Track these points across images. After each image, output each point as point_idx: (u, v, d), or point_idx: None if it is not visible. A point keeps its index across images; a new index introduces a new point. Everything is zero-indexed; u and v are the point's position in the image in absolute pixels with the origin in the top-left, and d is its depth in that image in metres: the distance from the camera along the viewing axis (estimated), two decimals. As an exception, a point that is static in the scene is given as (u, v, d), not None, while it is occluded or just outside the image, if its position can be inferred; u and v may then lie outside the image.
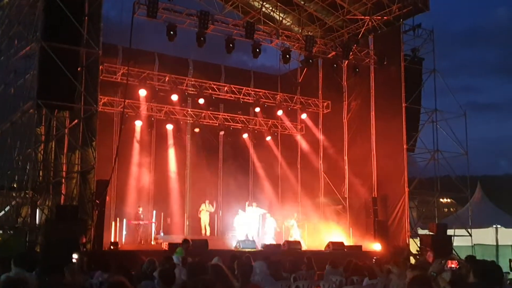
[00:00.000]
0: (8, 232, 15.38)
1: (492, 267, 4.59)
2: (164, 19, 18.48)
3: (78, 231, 14.46)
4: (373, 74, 22.20)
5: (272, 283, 7.63)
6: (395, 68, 20.88)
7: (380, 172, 21.43)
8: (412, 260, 18.07)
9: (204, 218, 21.07)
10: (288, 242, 19.13)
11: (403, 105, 20.38)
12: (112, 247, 16.50)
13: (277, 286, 8.16)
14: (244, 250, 16.92)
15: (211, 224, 21.70)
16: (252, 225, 20.17)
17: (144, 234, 19.34)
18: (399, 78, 20.62)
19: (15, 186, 16.50)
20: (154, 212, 19.90)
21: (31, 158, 15.42)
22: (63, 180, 15.93)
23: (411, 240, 20.16)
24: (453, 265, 7.87)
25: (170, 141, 22.72)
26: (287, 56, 20.91)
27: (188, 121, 23.19)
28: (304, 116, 24.62)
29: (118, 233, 18.57)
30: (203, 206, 21.00)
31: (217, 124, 23.66)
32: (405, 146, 20.32)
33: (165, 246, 17.34)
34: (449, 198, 37.04)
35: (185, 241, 14.44)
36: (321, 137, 24.25)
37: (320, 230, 21.74)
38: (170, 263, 8.93)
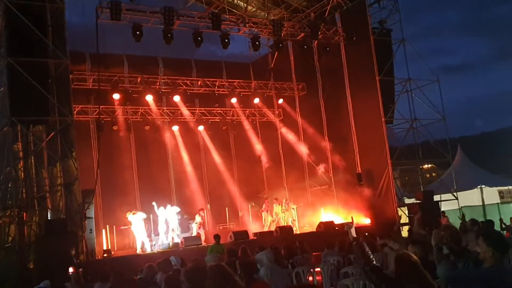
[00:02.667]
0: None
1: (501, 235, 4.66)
2: (128, 20, 18.27)
3: (70, 244, 14.34)
4: (343, 51, 22.28)
5: (278, 271, 7.65)
6: (364, 43, 20.96)
7: (361, 147, 21.61)
8: (405, 231, 18.34)
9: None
10: (280, 228, 19.21)
11: (377, 78, 20.51)
12: (105, 255, 16.41)
13: (282, 276, 8.19)
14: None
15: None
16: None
17: (135, 238, 19.18)
18: (370, 52, 20.74)
19: (-1, 206, 16.24)
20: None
21: (12, 176, 15.17)
22: (47, 194, 15.74)
23: (399, 209, 20.44)
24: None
25: (150, 142, 22.50)
26: (257, 43, 20.85)
27: (166, 120, 23.01)
28: (280, 101, 24.63)
29: (109, 241, 18.46)
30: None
31: (195, 120, 23.53)
32: (383, 119, 20.49)
33: (159, 248, 17.31)
34: (430, 164, 37.53)
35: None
36: (299, 120, 24.30)
37: (310, 212, 21.88)
38: (169, 266, 8.89)
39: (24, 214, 15.29)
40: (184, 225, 19.85)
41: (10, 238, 15.22)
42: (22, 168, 15.97)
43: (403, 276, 4.30)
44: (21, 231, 15.04)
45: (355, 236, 15.84)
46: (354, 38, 21.33)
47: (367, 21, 20.97)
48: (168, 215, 19.00)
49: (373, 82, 20.59)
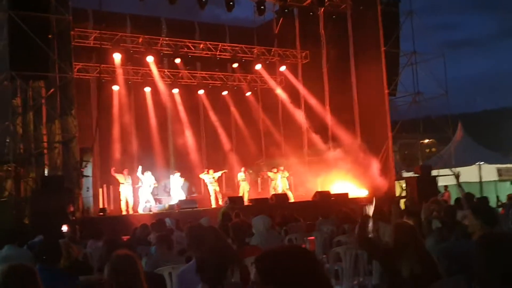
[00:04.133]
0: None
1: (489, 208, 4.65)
2: (133, -23, 17.95)
3: (66, 201, 14.42)
4: (350, 20, 21.95)
5: (272, 238, 7.65)
6: (371, 13, 20.63)
7: (362, 118, 21.51)
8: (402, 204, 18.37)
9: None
10: (275, 195, 19.28)
11: (382, 49, 20.25)
12: (101, 214, 16.51)
13: (276, 242, 8.20)
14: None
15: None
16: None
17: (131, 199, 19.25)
18: (376, 23, 20.42)
19: (-4, 160, 16.25)
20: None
21: (10, 130, 15.14)
22: (45, 150, 15.75)
23: (396, 183, 20.48)
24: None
25: (149, 103, 22.40)
26: (262, 7, 20.55)
27: (166, 82, 22.83)
28: (283, 68, 24.38)
29: (106, 200, 18.54)
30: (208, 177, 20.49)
31: (195, 83, 23.35)
32: (386, 91, 20.33)
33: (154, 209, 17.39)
34: (431, 139, 37.49)
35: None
36: (301, 88, 24.11)
37: (307, 182, 21.91)
38: (163, 226, 8.93)
39: (22, 169, 15.33)
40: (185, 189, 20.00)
41: (6, 193, 15.29)
42: (20, 123, 15.95)
43: (402, 244, 4.29)
44: (18, 186, 15.11)
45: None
46: (361, 8, 21.00)
47: (375, -10, 20.60)
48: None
49: (378, 53, 20.34)
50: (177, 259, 5.46)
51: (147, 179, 18.55)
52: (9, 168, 15.19)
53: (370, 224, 4.68)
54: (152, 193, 18.69)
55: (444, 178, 20.40)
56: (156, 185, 19.05)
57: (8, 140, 15.57)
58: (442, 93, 20.95)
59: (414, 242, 4.23)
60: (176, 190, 19.38)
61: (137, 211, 17.83)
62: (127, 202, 17.92)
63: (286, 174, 21.34)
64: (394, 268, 4.16)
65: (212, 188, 19.82)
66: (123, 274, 3.06)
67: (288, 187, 21.16)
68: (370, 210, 4.94)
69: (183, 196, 19.07)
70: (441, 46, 21.39)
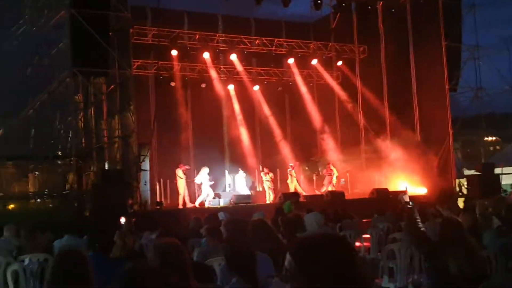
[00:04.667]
0: (57, 199, 15.84)
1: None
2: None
3: (125, 194, 14.77)
4: (409, 14, 21.38)
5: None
6: (432, 6, 20.01)
7: (422, 115, 20.93)
8: (461, 202, 17.76)
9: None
10: (331, 192, 19.07)
11: (443, 43, 19.64)
12: (157, 207, 16.84)
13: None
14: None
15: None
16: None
17: (187, 193, 19.54)
18: (437, 16, 19.80)
19: (59, 154, 16.88)
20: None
21: (72, 126, 15.69)
22: (105, 145, 16.21)
23: (457, 181, 19.85)
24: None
25: (205, 99, 22.62)
26: (319, 2, 20.37)
27: (222, 78, 23.00)
28: (340, 63, 24.04)
29: (163, 194, 18.89)
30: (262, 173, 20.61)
31: (251, 79, 23.39)
32: (447, 86, 19.71)
33: (208, 204, 17.59)
34: (494, 136, 36.07)
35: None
36: (359, 83, 23.71)
37: (364, 179, 21.56)
38: (216, 220, 8.97)
39: (83, 163, 15.86)
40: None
41: (68, 186, 15.85)
42: (82, 119, 16.49)
43: (447, 240, 4.12)
44: (79, 179, 15.63)
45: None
46: (421, 1, 20.42)
47: (436, -17, 19.98)
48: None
49: (438, 47, 19.74)
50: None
51: (205, 175, 18.80)
52: (71, 162, 15.74)
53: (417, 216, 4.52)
54: (212, 188, 18.99)
55: (509, 176, 19.61)
56: (212, 181, 19.28)
57: (70, 135, 16.15)
58: (506, 88, 20.13)
59: (461, 238, 4.05)
60: (239, 185, 19.57)
61: (193, 205, 18.09)
62: (184, 196, 18.24)
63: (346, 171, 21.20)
64: (441, 265, 4.01)
65: (267, 185, 19.93)
66: (167, 261, 3.07)
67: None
68: (406, 197, 4.82)
69: (245, 192, 19.27)
70: (505, 40, 20.39)
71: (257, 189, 21.23)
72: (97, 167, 15.90)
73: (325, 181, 21.21)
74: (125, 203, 14.57)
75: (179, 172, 18.44)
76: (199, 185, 19.10)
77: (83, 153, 15.93)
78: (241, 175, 20.02)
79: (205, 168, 19.04)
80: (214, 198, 18.72)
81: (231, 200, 17.53)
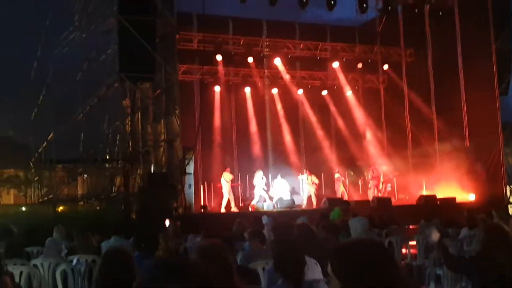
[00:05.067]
0: (105, 201, 16.20)
1: None
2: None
3: (170, 197, 14.97)
4: (457, 16, 20.88)
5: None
6: (481, 8, 19.50)
7: (471, 119, 20.37)
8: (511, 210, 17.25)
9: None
10: (377, 198, 18.80)
11: (493, 46, 19.11)
12: (202, 210, 16.99)
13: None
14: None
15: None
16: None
17: (232, 196, 19.66)
18: (486, 18, 19.29)
19: (107, 157, 17.27)
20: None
21: (120, 130, 16.03)
22: (151, 149, 16.48)
23: (508, 187, 19.22)
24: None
25: (249, 104, 22.73)
26: (364, 5, 20.16)
27: (266, 83, 23.05)
28: (386, 67, 23.70)
29: (207, 197, 19.04)
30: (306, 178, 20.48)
31: (295, 83, 23.33)
32: (497, 90, 19.16)
33: (252, 207, 17.62)
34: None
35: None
36: (405, 87, 23.29)
37: (411, 185, 21.16)
38: (259, 223, 8.98)
39: (130, 166, 16.17)
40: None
41: (115, 189, 16.19)
42: (129, 123, 16.83)
43: (491, 247, 3.99)
44: (126, 182, 15.94)
45: None
46: (470, 3, 19.92)
47: (485, -16, 19.47)
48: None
49: (488, 50, 19.21)
50: (269, 254, 5.43)
51: (259, 178, 18.89)
52: (119, 166, 16.08)
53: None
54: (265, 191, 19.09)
55: None
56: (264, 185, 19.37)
57: (118, 139, 16.51)
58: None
59: (505, 245, 3.90)
60: (283, 190, 19.55)
61: (238, 209, 18.17)
62: (229, 200, 18.34)
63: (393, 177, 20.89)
64: (483, 273, 3.89)
65: (307, 190, 19.76)
66: (211, 261, 3.08)
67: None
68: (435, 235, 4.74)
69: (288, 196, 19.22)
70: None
71: (301, 194, 21.10)
72: (143, 171, 16.17)
73: (371, 186, 20.92)
74: (170, 206, 14.77)
75: (226, 175, 18.55)
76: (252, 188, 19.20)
77: (130, 157, 16.24)
78: (284, 179, 19.96)
79: (259, 171, 19.16)
80: (264, 200, 18.75)
81: (275, 204, 17.51)
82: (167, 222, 12.49)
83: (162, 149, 16.40)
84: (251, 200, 19.12)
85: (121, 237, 7.89)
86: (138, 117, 17.06)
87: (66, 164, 19.24)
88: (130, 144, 16.54)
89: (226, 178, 18.48)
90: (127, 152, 16.21)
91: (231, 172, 19.13)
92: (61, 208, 17.31)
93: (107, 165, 17.27)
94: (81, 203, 17.73)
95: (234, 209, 18.17)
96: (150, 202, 14.46)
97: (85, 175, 18.39)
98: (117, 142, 16.65)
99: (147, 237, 5.13)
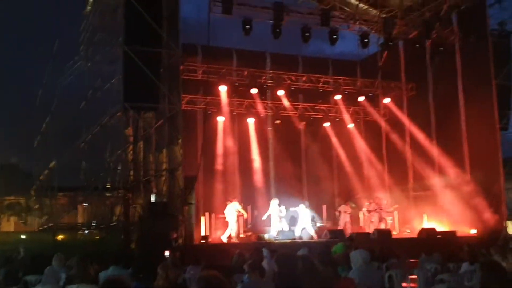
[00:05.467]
0: (105, 230, 16.17)
1: None
2: (239, 14, 18.62)
3: (170, 227, 14.92)
4: (458, 52, 21.14)
5: (370, 272, 7.41)
6: (481, 45, 19.75)
7: (472, 153, 20.42)
8: None
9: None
10: (378, 230, 18.73)
11: (493, 82, 19.31)
12: (202, 241, 16.91)
13: (374, 277, 7.93)
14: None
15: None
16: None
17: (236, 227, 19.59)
18: (487, 54, 19.55)
19: (108, 186, 17.31)
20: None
21: (122, 158, 16.10)
22: (153, 178, 16.50)
23: (509, 222, 19.15)
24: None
25: (252, 134, 22.87)
26: (366, 40, 20.45)
27: (269, 114, 23.23)
28: (387, 100, 23.91)
29: (208, 227, 18.97)
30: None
31: (297, 115, 23.51)
32: (497, 125, 19.27)
33: (253, 238, 17.53)
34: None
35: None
36: (406, 120, 23.44)
37: (412, 218, 21.11)
38: (260, 255, 8.96)
39: (130, 195, 16.18)
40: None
41: (116, 218, 16.17)
42: (131, 152, 16.91)
43: (489, 284, 3.98)
44: (126, 211, 15.93)
45: None
46: (471, 39, 20.19)
47: (485, 22, 19.78)
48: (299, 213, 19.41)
49: (488, 85, 19.41)
50: (268, 286, 5.44)
51: (275, 206, 18.96)
52: (119, 194, 16.10)
53: None
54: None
55: None
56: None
57: (119, 168, 16.56)
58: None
59: (502, 282, 3.88)
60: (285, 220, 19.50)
61: (239, 240, 18.09)
62: (231, 231, 18.28)
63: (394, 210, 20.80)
64: None
65: (305, 221, 19.70)
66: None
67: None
68: None
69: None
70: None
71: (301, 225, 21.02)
72: (144, 200, 16.17)
73: (373, 218, 20.86)
74: (170, 236, 14.71)
75: (235, 205, 18.51)
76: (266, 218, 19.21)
77: (131, 186, 16.27)
78: (285, 210, 19.93)
79: (275, 199, 19.25)
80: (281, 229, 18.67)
81: (276, 236, 17.46)
82: (166, 253, 12.45)
83: (163, 178, 16.43)
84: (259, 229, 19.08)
85: (120, 267, 7.86)
86: (140, 146, 17.15)
87: (67, 192, 19.27)
88: (131, 173, 16.59)
89: (234, 208, 18.42)
90: (128, 181, 16.24)
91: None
92: (61, 236, 17.26)
93: (108, 194, 17.28)
94: (81, 231, 17.68)
95: (234, 240, 18.10)
96: (150, 232, 14.42)
97: (86, 204, 18.40)
98: (118, 171, 16.69)
99: (145, 268, 5.14)
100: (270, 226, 19.05)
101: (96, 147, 17.86)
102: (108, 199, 17.04)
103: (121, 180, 15.94)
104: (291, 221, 19.70)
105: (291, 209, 19.50)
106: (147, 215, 15.18)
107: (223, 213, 19.31)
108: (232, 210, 18.40)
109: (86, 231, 17.37)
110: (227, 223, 18.79)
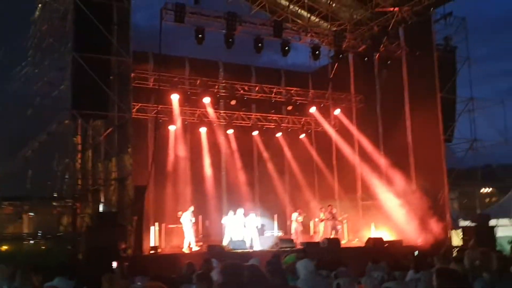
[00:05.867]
0: (51, 241, 15.72)
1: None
2: (192, 23, 18.59)
3: (118, 238, 14.66)
4: (405, 66, 21.81)
5: (317, 281, 7.52)
6: (427, 58, 20.44)
7: (418, 164, 21.03)
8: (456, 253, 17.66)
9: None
10: (327, 239, 18.97)
11: (438, 95, 19.98)
12: (152, 252, 16.69)
13: (322, 286, 8.04)
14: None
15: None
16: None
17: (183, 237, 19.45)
18: (432, 68, 20.22)
19: (55, 195, 16.85)
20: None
21: (70, 167, 15.73)
22: (102, 187, 16.19)
23: (453, 232, 19.77)
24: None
25: (204, 144, 22.83)
26: (317, 52, 20.79)
27: (221, 123, 23.26)
28: (337, 111, 24.38)
29: (158, 238, 18.76)
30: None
31: (250, 125, 23.63)
32: (442, 137, 19.91)
33: (204, 248, 17.45)
34: (490, 188, 36.10)
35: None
36: (355, 131, 23.96)
37: (360, 227, 21.50)
38: (209, 266, 8.92)
39: (78, 205, 15.80)
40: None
41: (62, 228, 15.76)
42: (79, 160, 16.53)
43: None
44: (74, 221, 15.54)
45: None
46: (417, 53, 20.86)
47: (431, 37, 20.46)
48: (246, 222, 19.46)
49: (433, 98, 20.07)
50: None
51: (231, 216, 19.08)
52: (67, 204, 15.69)
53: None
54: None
55: (504, 228, 19.58)
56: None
57: (67, 177, 16.16)
58: (501, 141, 20.30)
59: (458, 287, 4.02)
60: (236, 229, 19.48)
61: (191, 250, 17.99)
62: (190, 240, 18.19)
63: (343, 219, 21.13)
64: None
65: (254, 230, 19.79)
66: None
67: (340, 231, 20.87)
68: None
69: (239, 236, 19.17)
70: (503, 93, 20.80)
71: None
72: (92, 210, 15.82)
73: (322, 227, 21.11)
74: (119, 247, 14.46)
75: (189, 215, 18.38)
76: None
77: (79, 195, 15.88)
78: (237, 218, 19.90)
79: (252, 213, 19.47)
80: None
81: (228, 245, 17.43)
82: (114, 264, 12.24)
83: (112, 187, 16.13)
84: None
85: (65, 278, 7.68)
86: (89, 155, 16.80)
87: (12, 201, 18.63)
88: (79, 182, 16.21)
89: (188, 217, 18.32)
90: (76, 190, 15.86)
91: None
92: (5, 246, 16.67)
93: (55, 203, 16.80)
94: (26, 241, 17.11)
95: (194, 249, 18.04)
96: (98, 243, 14.11)
97: (32, 213, 17.84)
98: (66, 180, 16.28)
99: (89, 279, 5.04)
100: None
101: (43, 155, 17.36)
102: (55, 209, 16.54)
103: (69, 189, 15.54)
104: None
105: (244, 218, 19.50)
106: (95, 225, 14.85)
107: (174, 223, 19.20)
108: (188, 219, 18.30)
109: (32, 241, 16.79)
110: (178, 233, 18.68)
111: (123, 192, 15.91)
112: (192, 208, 18.72)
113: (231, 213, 19.44)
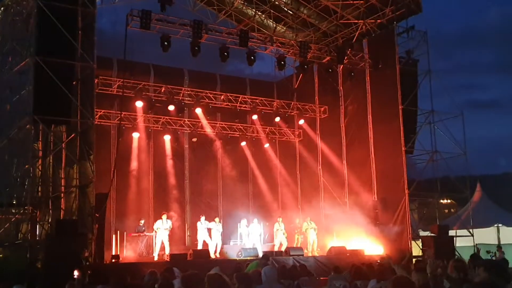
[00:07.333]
0: (9, 248, 15.31)
1: (502, 263, 4.57)
2: (158, 30, 18.53)
3: (79, 246, 14.40)
4: (368, 78, 22.23)
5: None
6: (390, 71, 20.87)
7: (379, 175, 21.40)
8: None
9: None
10: (289, 248, 19.05)
11: (400, 107, 20.39)
12: (113, 260, 16.44)
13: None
14: (247, 258, 16.77)
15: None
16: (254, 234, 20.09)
17: (146, 246, 19.24)
18: (395, 81, 20.64)
19: (14, 202, 16.42)
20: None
21: (29, 173, 15.35)
22: (62, 194, 15.86)
23: (413, 242, 20.11)
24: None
25: (168, 152, 22.66)
26: (282, 62, 20.96)
27: (186, 131, 23.15)
28: (301, 122, 24.60)
29: (119, 246, 18.50)
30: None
31: (214, 133, 23.61)
32: (403, 148, 20.29)
33: (166, 257, 17.27)
34: (449, 199, 36.97)
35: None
36: (319, 142, 24.22)
37: (322, 236, 21.65)
38: (171, 274, 8.84)
39: (38, 212, 15.43)
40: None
41: (21, 235, 15.36)
42: (40, 167, 16.16)
43: None
44: (33, 229, 15.17)
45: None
46: (380, 66, 21.27)
47: (394, 50, 20.91)
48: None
49: (395, 110, 20.47)
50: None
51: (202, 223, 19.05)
52: (26, 211, 15.30)
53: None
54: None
55: (462, 239, 20.04)
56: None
57: (27, 183, 15.76)
58: (460, 153, 20.81)
59: None
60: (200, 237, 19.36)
61: (161, 258, 17.80)
62: (162, 247, 17.95)
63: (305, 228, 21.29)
64: None
65: (218, 238, 19.71)
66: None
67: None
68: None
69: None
70: (462, 106, 21.29)
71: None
72: (52, 217, 15.46)
73: (282, 236, 21.16)
74: (79, 255, 14.19)
75: (163, 222, 18.18)
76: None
77: (39, 202, 15.52)
78: (203, 226, 19.77)
79: (244, 220, 19.81)
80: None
81: (190, 254, 17.30)
82: (75, 272, 12.00)
83: (73, 195, 15.82)
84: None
85: (23, 286, 7.53)
86: (50, 161, 16.45)
87: (-32, 208, 18.08)
88: (39, 189, 15.84)
89: (162, 225, 18.12)
90: (36, 197, 15.49)
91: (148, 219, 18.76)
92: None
93: (13, 210, 16.35)
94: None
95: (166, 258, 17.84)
96: (58, 251, 13.82)
97: (-12, 220, 17.33)
98: (25, 187, 15.87)
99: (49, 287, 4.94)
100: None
101: (3, 161, 16.88)
102: (14, 216, 16.10)
103: (28, 196, 15.14)
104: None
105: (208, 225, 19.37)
106: (55, 233, 14.53)
107: (135, 232, 19.00)
108: (159, 226, 18.14)
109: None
110: (138, 242, 18.52)
111: (84, 200, 15.63)
112: (165, 216, 18.49)
113: (203, 218, 19.22)
